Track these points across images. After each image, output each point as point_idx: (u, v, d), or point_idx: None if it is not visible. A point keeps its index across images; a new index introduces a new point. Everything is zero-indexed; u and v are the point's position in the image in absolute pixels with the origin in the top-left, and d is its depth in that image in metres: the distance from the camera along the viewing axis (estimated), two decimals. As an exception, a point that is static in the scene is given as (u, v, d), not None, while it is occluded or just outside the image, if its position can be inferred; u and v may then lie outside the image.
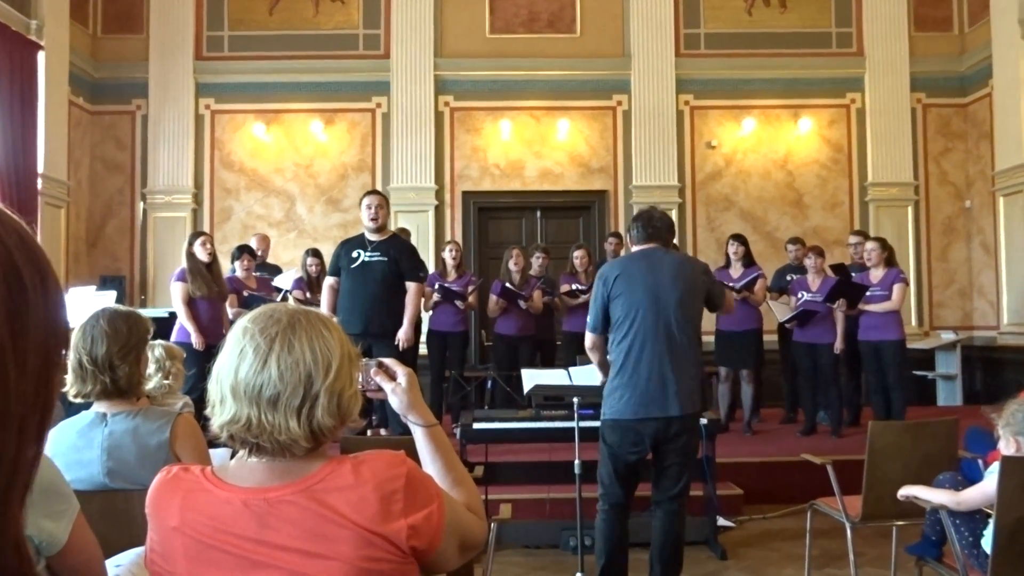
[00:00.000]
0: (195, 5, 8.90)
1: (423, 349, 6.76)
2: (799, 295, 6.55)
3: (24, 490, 0.52)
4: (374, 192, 5.66)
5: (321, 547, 1.23)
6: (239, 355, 1.26)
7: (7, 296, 0.49)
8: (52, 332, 0.53)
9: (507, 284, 6.76)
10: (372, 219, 5.34)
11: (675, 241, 7.99)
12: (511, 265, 6.91)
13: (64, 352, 0.56)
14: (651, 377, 3.33)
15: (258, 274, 6.88)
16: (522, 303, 6.73)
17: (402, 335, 5.32)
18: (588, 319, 3.58)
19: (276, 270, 7.37)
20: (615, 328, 3.44)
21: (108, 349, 2.10)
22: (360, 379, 1.41)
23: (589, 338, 3.57)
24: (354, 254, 5.36)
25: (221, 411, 1.27)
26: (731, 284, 6.54)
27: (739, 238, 6.86)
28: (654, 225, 3.57)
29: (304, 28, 8.98)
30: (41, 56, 7.55)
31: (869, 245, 6.40)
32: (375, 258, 5.32)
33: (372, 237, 5.39)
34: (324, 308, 5.31)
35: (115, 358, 2.10)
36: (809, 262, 6.56)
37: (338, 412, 1.28)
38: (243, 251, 6.64)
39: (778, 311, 6.81)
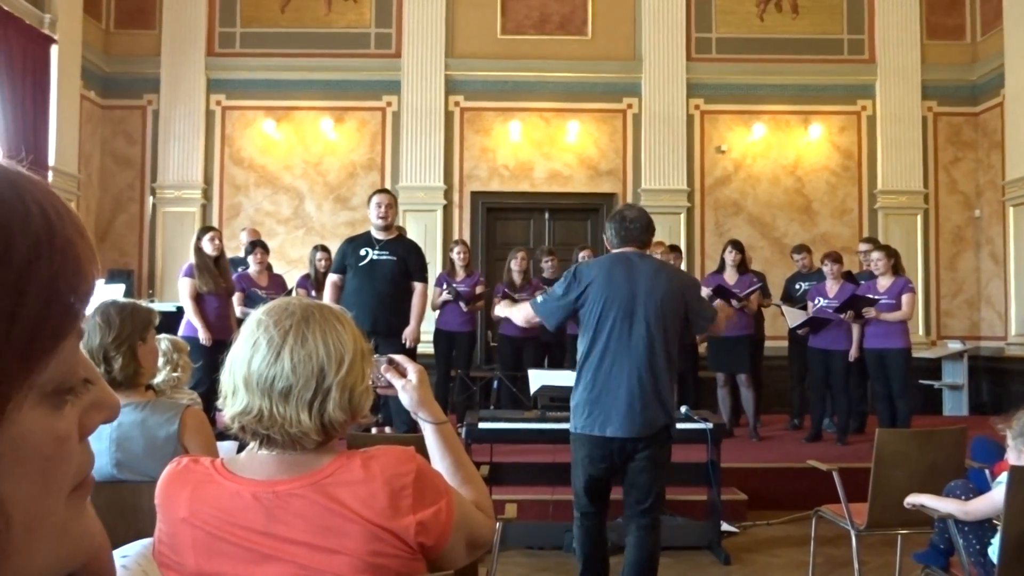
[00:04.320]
0: (207, 1, 8.93)
1: (430, 348, 6.77)
2: (815, 301, 6.53)
3: None
4: (383, 191, 5.64)
5: (329, 541, 1.23)
6: (252, 347, 1.27)
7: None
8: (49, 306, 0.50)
9: (505, 288, 6.80)
10: (381, 217, 5.33)
11: (682, 245, 7.93)
12: (513, 266, 6.94)
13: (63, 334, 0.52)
14: (619, 396, 3.18)
15: (269, 271, 6.86)
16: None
17: (408, 333, 5.33)
18: (541, 307, 3.36)
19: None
20: (584, 337, 3.28)
21: (102, 340, 2.09)
22: (371, 375, 1.41)
23: (529, 320, 3.43)
24: (362, 252, 5.36)
25: (233, 402, 1.27)
26: (735, 292, 6.54)
27: (737, 245, 6.85)
28: (626, 227, 3.32)
29: (316, 26, 9.00)
30: (54, 50, 7.59)
31: (875, 255, 6.38)
32: (384, 257, 5.32)
33: (379, 236, 5.39)
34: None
35: (109, 349, 2.09)
36: (827, 269, 6.54)
37: (349, 407, 1.28)
38: (256, 246, 6.62)
39: (790, 317, 6.78)
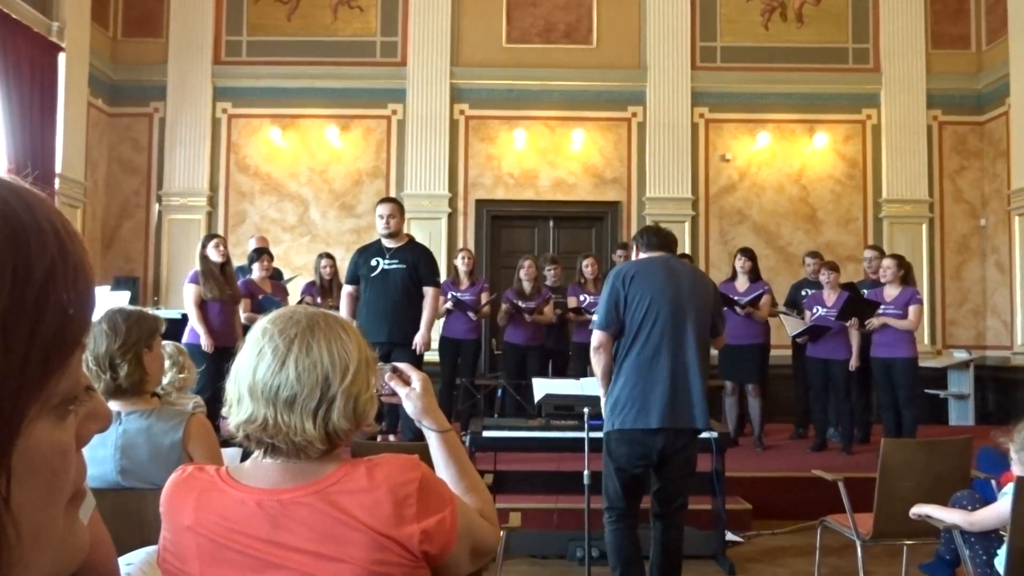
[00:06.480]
0: (214, 10, 8.97)
1: (435, 356, 6.77)
2: (814, 310, 6.52)
3: None
4: (387, 200, 5.64)
5: (333, 549, 1.23)
6: (258, 355, 1.27)
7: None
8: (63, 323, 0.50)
9: (514, 296, 6.85)
10: (385, 227, 5.36)
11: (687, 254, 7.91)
12: (522, 275, 6.96)
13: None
14: (667, 387, 3.25)
15: (272, 279, 6.87)
16: (527, 316, 6.77)
17: (419, 339, 5.35)
18: (597, 317, 3.46)
19: (278, 274, 7.38)
20: (628, 332, 3.32)
21: (108, 348, 2.09)
22: (375, 384, 1.41)
23: (598, 336, 3.41)
24: (373, 262, 5.38)
25: (238, 410, 1.28)
26: (736, 298, 6.52)
27: (747, 252, 6.85)
28: (663, 235, 3.57)
29: (322, 34, 9.04)
30: (62, 58, 7.63)
31: (886, 262, 6.35)
32: (394, 266, 5.34)
33: (389, 244, 5.41)
34: (343, 316, 5.29)
35: (115, 356, 2.09)
36: (824, 277, 6.54)
37: (354, 415, 1.28)
38: (261, 253, 6.65)
39: (789, 325, 6.78)
